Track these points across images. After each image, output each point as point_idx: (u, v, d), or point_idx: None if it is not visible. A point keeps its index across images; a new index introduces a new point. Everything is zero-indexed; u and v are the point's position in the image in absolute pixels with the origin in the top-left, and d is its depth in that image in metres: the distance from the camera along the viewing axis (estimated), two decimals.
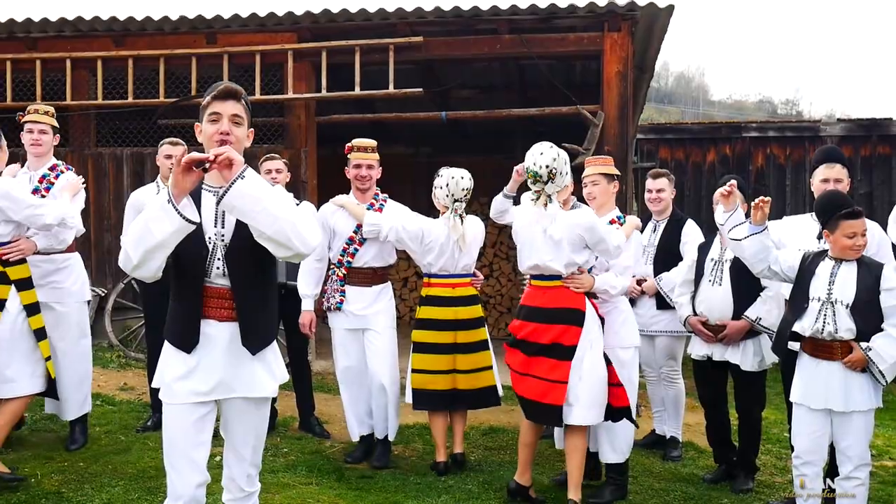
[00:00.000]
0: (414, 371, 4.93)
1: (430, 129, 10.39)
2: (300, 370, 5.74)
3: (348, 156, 5.11)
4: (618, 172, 4.85)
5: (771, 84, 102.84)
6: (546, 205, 4.20)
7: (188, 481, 2.86)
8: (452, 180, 4.88)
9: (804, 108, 55.72)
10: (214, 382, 2.83)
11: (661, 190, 5.48)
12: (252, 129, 2.93)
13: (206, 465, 2.90)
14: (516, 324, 4.37)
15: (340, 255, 5.04)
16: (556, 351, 4.17)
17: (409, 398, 4.98)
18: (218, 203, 2.71)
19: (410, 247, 4.93)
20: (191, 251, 2.78)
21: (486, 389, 4.96)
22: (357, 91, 7.85)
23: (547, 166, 4.15)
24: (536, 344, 4.22)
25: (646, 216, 5.79)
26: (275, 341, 3.01)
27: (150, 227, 2.63)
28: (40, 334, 4.60)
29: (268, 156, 5.71)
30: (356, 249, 5.02)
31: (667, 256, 5.34)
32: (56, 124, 5.08)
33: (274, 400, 5.59)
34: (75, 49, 8.32)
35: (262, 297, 2.93)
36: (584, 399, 4.16)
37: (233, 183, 2.59)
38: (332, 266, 5.09)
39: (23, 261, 4.58)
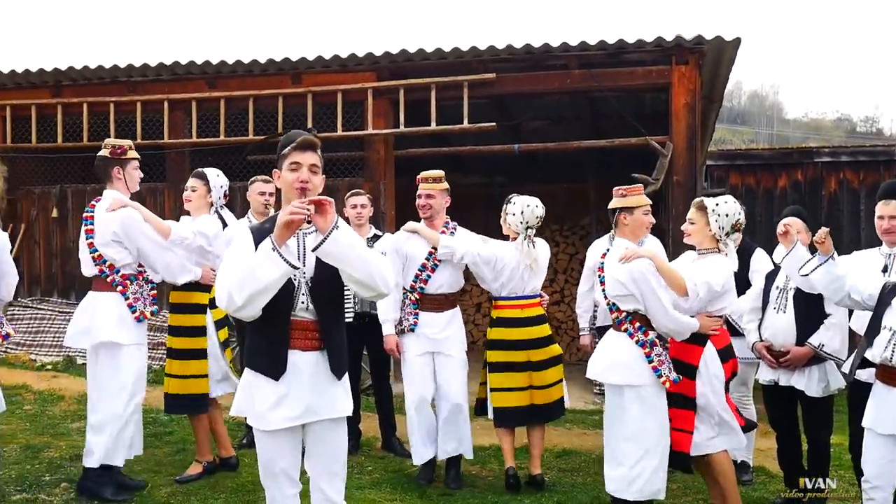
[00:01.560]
0: (493, 390, 5.17)
1: (503, 160, 10.71)
2: (382, 393, 6.07)
3: (418, 187, 5.41)
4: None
5: (849, 101, 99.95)
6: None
7: (287, 494, 3.23)
8: (528, 208, 5.16)
9: (884, 125, 54.13)
10: (303, 408, 3.15)
11: None
12: (324, 177, 3.25)
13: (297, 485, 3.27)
14: None
15: (413, 281, 5.31)
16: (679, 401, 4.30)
17: (490, 416, 5.24)
18: (314, 250, 3.01)
19: (483, 270, 5.21)
20: (280, 289, 3.05)
21: (558, 401, 5.25)
22: (433, 126, 8.24)
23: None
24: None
25: None
26: None
27: (256, 273, 2.94)
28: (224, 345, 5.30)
29: (354, 191, 6.10)
30: (429, 276, 5.29)
31: (736, 284, 5.45)
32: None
33: (358, 420, 6.00)
34: (172, 91, 8.95)
35: (339, 326, 3.26)
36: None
37: (330, 233, 2.93)
38: (404, 291, 5.36)
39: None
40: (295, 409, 3.13)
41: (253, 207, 5.95)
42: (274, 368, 3.12)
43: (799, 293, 4.65)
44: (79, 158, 9.48)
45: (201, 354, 5.13)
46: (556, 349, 5.25)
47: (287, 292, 3.09)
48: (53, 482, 5.06)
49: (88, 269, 4.93)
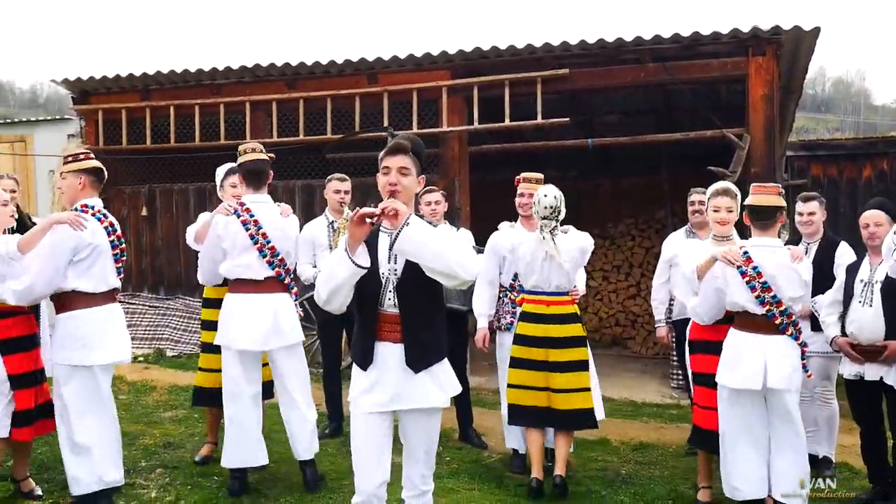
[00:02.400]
0: (509, 386, 5.06)
1: (576, 154, 10.73)
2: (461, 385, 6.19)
3: (517, 186, 5.44)
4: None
5: None
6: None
7: (371, 479, 3.36)
8: (539, 199, 4.91)
9: None
10: (391, 395, 3.31)
11: (811, 213, 5.47)
12: (422, 177, 3.39)
13: (389, 468, 3.39)
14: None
15: (513, 280, 5.37)
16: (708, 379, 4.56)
17: (503, 412, 5.22)
18: (390, 248, 3.22)
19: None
20: (369, 285, 3.29)
21: (581, 412, 4.91)
22: (507, 122, 8.32)
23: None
24: None
25: (797, 238, 5.84)
26: (445, 359, 3.43)
27: (333, 271, 3.21)
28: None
29: (427, 188, 6.21)
30: None
31: (819, 279, 5.36)
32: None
33: None
34: (253, 93, 9.26)
35: (426, 322, 3.36)
36: None
37: (400, 230, 3.10)
38: (503, 289, 5.43)
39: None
40: (382, 396, 3.30)
41: (329, 205, 6.14)
42: (363, 359, 3.34)
43: (887, 286, 4.56)
44: (166, 159, 9.91)
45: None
46: (581, 353, 4.95)
47: (376, 288, 3.28)
48: (149, 468, 5.34)
49: (260, 271, 4.84)
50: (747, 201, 4.47)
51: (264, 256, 4.80)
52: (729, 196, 4.70)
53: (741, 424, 4.38)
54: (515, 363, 5.02)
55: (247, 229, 4.79)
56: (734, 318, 4.45)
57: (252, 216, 4.82)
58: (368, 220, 3.12)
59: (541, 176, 5.43)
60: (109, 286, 4.53)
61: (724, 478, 4.50)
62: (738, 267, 4.30)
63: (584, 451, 5.93)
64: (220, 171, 5.45)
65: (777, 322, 4.28)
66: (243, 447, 4.82)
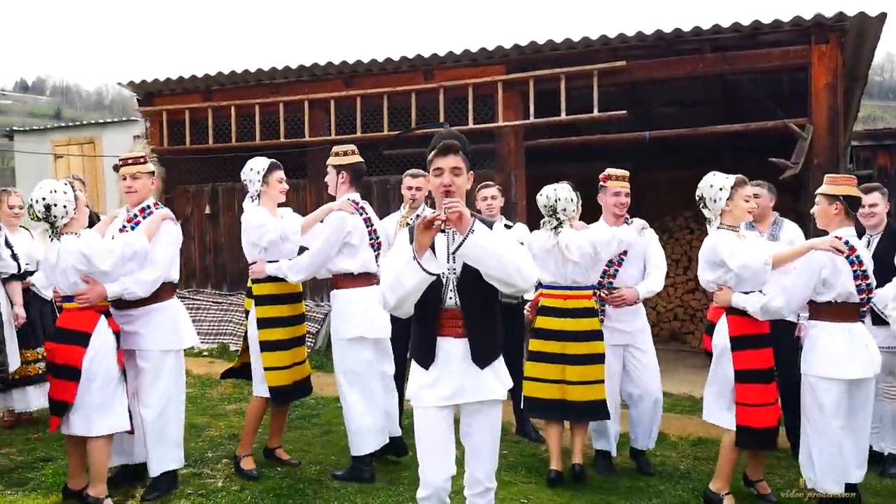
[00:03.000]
0: (526, 378, 5.13)
1: (633, 147, 10.64)
2: (516, 379, 6.21)
3: (604, 184, 5.35)
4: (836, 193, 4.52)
5: None
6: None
7: (437, 472, 3.40)
8: (539, 197, 5.06)
9: None
10: (454, 389, 3.36)
11: (874, 205, 5.37)
12: (472, 173, 3.42)
13: (454, 461, 3.43)
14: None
15: (601, 277, 5.33)
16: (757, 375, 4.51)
17: (521, 404, 5.28)
18: (454, 252, 3.24)
19: None
20: (430, 284, 3.30)
21: (594, 403, 4.99)
22: (563, 116, 8.30)
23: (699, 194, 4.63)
24: None
25: (860, 230, 5.71)
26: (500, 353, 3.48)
27: (401, 279, 3.20)
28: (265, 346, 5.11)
29: (484, 183, 6.26)
30: (616, 270, 5.33)
31: (882, 271, 5.25)
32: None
33: None
34: (312, 91, 9.42)
35: (486, 317, 3.41)
36: None
37: (466, 237, 3.13)
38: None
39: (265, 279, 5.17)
40: (446, 390, 3.35)
41: (404, 201, 6.20)
42: (426, 355, 3.39)
43: None
44: (228, 158, 10.13)
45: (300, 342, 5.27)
46: (597, 346, 5.01)
47: (436, 287, 3.33)
48: (215, 458, 5.50)
49: (374, 266, 5.16)
50: (844, 192, 4.41)
51: (375, 251, 5.16)
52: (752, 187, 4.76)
53: (848, 414, 4.35)
54: (533, 356, 5.12)
55: (368, 226, 5.12)
56: (816, 309, 4.39)
57: (366, 214, 5.14)
58: (434, 226, 3.14)
59: (626, 172, 5.38)
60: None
61: (831, 473, 4.37)
62: (847, 256, 4.28)
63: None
64: (261, 165, 5.16)
65: (864, 309, 4.36)
66: (377, 432, 5.06)
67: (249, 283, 5.17)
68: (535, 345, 5.11)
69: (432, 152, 3.33)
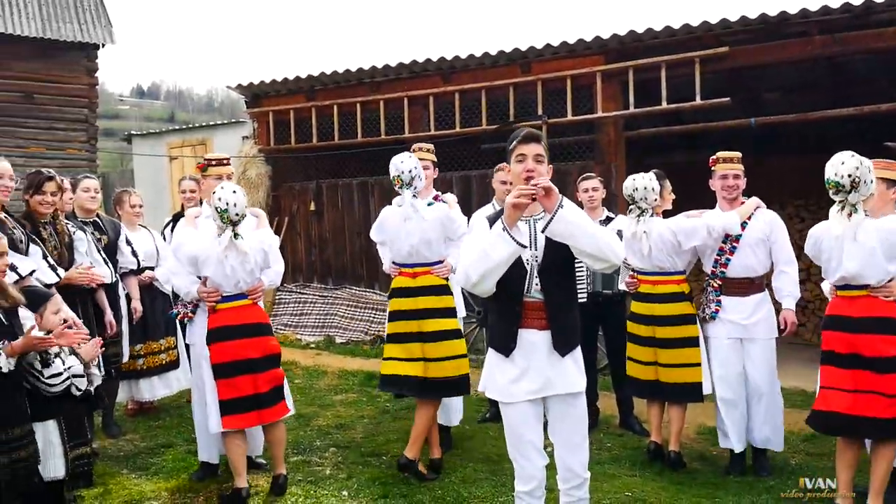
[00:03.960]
0: (628, 359, 5.42)
1: (738, 134, 10.33)
2: (620, 372, 6.17)
3: (713, 168, 5.26)
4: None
5: None
6: (850, 215, 4.12)
7: (536, 465, 3.46)
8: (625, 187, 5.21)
9: None
10: (542, 382, 3.40)
11: None
12: (552, 167, 3.45)
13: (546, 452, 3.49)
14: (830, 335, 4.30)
15: (713, 266, 5.21)
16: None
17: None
18: (544, 230, 3.24)
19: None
20: (513, 272, 3.34)
21: (687, 385, 5.10)
22: (664, 105, 8.15)
23: (849, 175, 4.08)
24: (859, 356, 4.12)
25: None
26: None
27: (489, 252, 3.24)
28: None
29: (585, 175, 6.23)
30: (728, 259, 5.16)
31: None
32: (435, 159, 5.74)
33: (595, 398, 6.17)
34: (411, 88, 9.56)
35: (567, 306, 3.45)
36: None
37: (556, 212, 3.15)
38: (706, 277, 5.29)
39: None
40: (534, 383, 3.40)
41: (496, 195, 6.26)
42: (506, 346, 3.42)
43: None
44: (331, 156, 10.41)
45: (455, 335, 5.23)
46: (688, 329, 5.10)
47: (520, 276, 3.37)
48: (323, 447, 5.69)
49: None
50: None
51: None
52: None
53: None
54: (630, 338, 5.37)
55: None
56: None
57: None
58: (525, 201, 3.16)
59: (738, 154, 5.28)
60: None
61: None
62: None
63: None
64: (415, 161, 5.12)
65: None
66: None
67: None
68: (631, 327, 5.36)
69: (514, 142, 3.39)
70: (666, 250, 5.12)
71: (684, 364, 5.10)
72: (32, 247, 4.78)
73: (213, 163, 5.00)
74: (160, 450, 5.66)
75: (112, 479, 5.04)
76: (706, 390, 5.14)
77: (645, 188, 5.05)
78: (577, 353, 3.46)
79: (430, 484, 4.89)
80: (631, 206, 5.17)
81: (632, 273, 5.34)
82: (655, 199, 5.11)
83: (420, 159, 5.20)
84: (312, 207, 10.64)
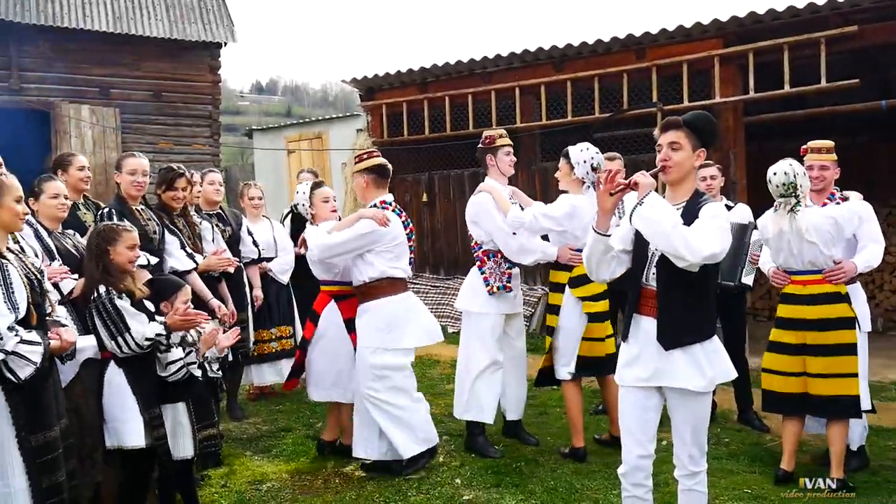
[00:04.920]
0: (764, 371, 4.80)
1: (867, 118, 9.82)
2: (738, 367, 5.99)
3: (803, 157, 5.05)
4: None
5: None
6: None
7: (632, 451, 3.46)
8: (769, 178, 4.61)
9: None
10: (651, 371, 3.36)
11: None
12: (702, 150, 3.37)
13: (652, 443, 3.44)
14: None
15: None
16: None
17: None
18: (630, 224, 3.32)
19: None
20: (636, 260, 3.40)
21: (842, 399, 4.51)
22: (786, 89, 7.83)
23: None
24: None
25: None
26: (711, 341, 3.35)
27: (588, 245, 3.42)
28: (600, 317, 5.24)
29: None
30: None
31: None
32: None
33: (713, 392, 6.00)
34: (522, 78, 9.54)
35: (685, 298, 3.31)
36: None
37: (634, 209, 3.20)
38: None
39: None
40: (644, 371, 3.37)
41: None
42: (625, 330, 3.47)
43: None
44: (442, 147, 10.51)
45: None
46: (845, 335, 4.53)
47: (641, 263, 3.38)
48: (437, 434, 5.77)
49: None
50: None
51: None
52: None
53: None
54: (772, 347, 4.76)
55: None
56: None
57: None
58: (616, 192, 3.23)
59: (830, 144, 5.00)
60: (406, 275, 5.05)
61: None
62: None
63: (881, 439, 5.51)
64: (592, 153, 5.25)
65: None
66: None
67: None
68: (775, 335, 4.77)
69: (657, 130, 3.44)
70: (823, 242, 4.56)
71: (838, 374, 4.52)
72: (169, 236, 5.08)
73: (356, 160, 5.30)
74: (280, 433, 5.88)
75: (236, 459, 5.27)
76: (864, 405, 4.65)
77: (803, 174, 4.56)
78: (699, 349, 3.31)
79: (542, 475, 4.89)
80: (779, 201, 4.63)
81: (775, 269, 4.85)
82: (808, 187, 4.63)
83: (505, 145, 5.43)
84: (425, 199, 10.78)
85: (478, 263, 5.39)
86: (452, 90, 10.16)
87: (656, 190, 3.31)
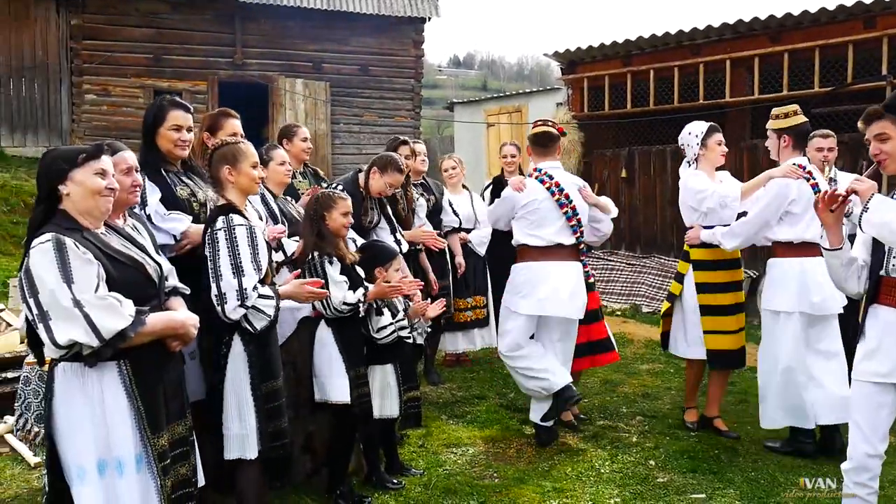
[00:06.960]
0: None
1: None
2: None
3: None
4: None
5: None
6: None
7: (857, 448, 3.23)
8: None
9: None
10: (891, 366, 3.10)
11: None
12: None
13: (884, 442, 3.20)
14: None
15: None
16: None
17: None
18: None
19: None
20: (877, 250, 3.19)
21: None
22: None
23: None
24: None
25: None
26: None
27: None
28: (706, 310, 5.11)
29: None
30: None
31: None
32: None
33: None
34: (734, 50, 9.07)
35: None
36: None
37: (860, 216, 3.04)
38: None
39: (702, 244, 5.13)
40: (882, 366, 3.14)
41: (812, 161, 5.73)
42: (862, 321, 3.26)
43: None
44: (645, 122, 10.22)
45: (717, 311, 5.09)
46: None
47: (878, 254, 3.19)
48: (629, 414, 5.69)
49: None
50: None
51: None
52: None
53: None
54: None
55: (816, 192, 4.60)
56: None
57: (814, 179, 4.76)
58: (834, 206, 3.10)
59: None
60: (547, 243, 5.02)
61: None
62: None
63: None
64: (699, 128, 5.17)
65: None
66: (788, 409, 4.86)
67: (686, 248, 5.21)
68: None
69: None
70: None
71: None
72: (382, 222, 5.18)
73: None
74: (474, 400, 6.01)
75: (433, 422, 5.46)
76: None
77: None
78: None
79: (741, 464, 4.71)
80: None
81: None
82: None
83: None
84: (624, 174, 10.56)
85: None
86: (657, 63, 9.83)
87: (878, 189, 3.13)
